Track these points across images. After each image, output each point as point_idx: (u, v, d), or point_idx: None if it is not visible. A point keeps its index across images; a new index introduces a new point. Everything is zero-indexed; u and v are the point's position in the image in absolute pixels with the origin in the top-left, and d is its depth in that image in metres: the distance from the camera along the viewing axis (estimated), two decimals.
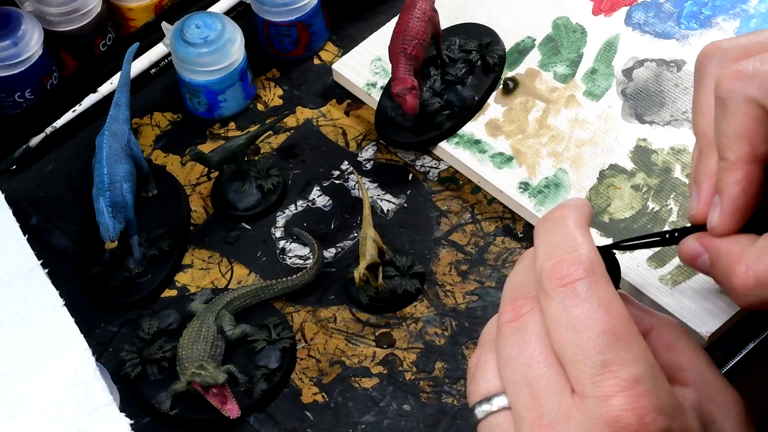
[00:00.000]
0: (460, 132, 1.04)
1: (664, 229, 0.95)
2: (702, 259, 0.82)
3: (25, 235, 0.95)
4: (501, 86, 1.06)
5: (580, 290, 0.70)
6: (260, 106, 1.09)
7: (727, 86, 0.79)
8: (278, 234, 1.02)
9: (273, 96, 1.10)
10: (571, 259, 0.71)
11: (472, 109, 1.04)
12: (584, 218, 0.74)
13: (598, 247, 0.73)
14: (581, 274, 0.70)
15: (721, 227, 0.80)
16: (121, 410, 0.86)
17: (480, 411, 0.72)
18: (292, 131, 1.08)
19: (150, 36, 1.11)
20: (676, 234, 0.84)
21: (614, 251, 0.81)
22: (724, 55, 0.83)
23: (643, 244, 0.85)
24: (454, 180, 1.03)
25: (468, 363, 0.76)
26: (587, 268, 0.70)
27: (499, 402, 0.72)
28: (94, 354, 0.88)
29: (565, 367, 0.69)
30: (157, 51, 1.11)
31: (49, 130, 1.07)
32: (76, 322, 0.89)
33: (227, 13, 1.13)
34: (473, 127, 1.04)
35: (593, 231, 0.97)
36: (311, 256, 0.99)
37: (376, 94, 1.07)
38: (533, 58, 1.08)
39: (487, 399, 0.72)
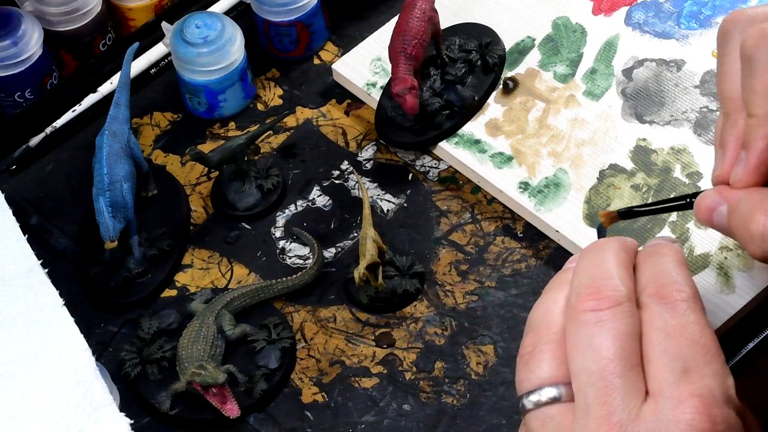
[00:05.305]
0: (460, 132, 1.04)
1: (681, 194, 0.93)
2: (719, 211, 0.81)
3: (25, 235, 0.95)
4: (501, 86, 1.06)
5: (680, 308, 0.72)
6: (260, 106, 1.09)
7: (752, 43, 0.79)
8: (278, 234, 1.02)
9: (273, 96, 1.10)
10: (676, 285, 0.73)
11: (472, 109, 1.04)
12: (683, 256, 0.76)
13: (618, 212, 0.74)
14: (684, 297, 0.73)
15: (744, 179, 0.80)
16: (121, 410, 0.86)
17: (529, 401, 0.72)
18: (292, 131, 1.08)
19: (150, 36, 1.11)
20: (691, 199, 0.84)
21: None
22: (750, 21, 0.83)
23: (660, 209, 0.86)
24: (454, 180, 1.03)
25: (519, 349, 0.74)
26: (689, 294, 0.73)
27: (549, 393, 0.72)
28: (94, 354, 0.88)
29: (646, 367, 0.70)
30: (157, 51, 1.11)
31: (49, 130, 1.07)
32: (76, 322, 0.89)
33: (227, 13, 1.13)
34: (473, 127, 1.04)
35: (592, 231, 0.97)
36: (311, 256, 0.99)
37: (376, 94, 1.07)
38: (533, 58, 1.08)
39: (539, 389, 0.72)
